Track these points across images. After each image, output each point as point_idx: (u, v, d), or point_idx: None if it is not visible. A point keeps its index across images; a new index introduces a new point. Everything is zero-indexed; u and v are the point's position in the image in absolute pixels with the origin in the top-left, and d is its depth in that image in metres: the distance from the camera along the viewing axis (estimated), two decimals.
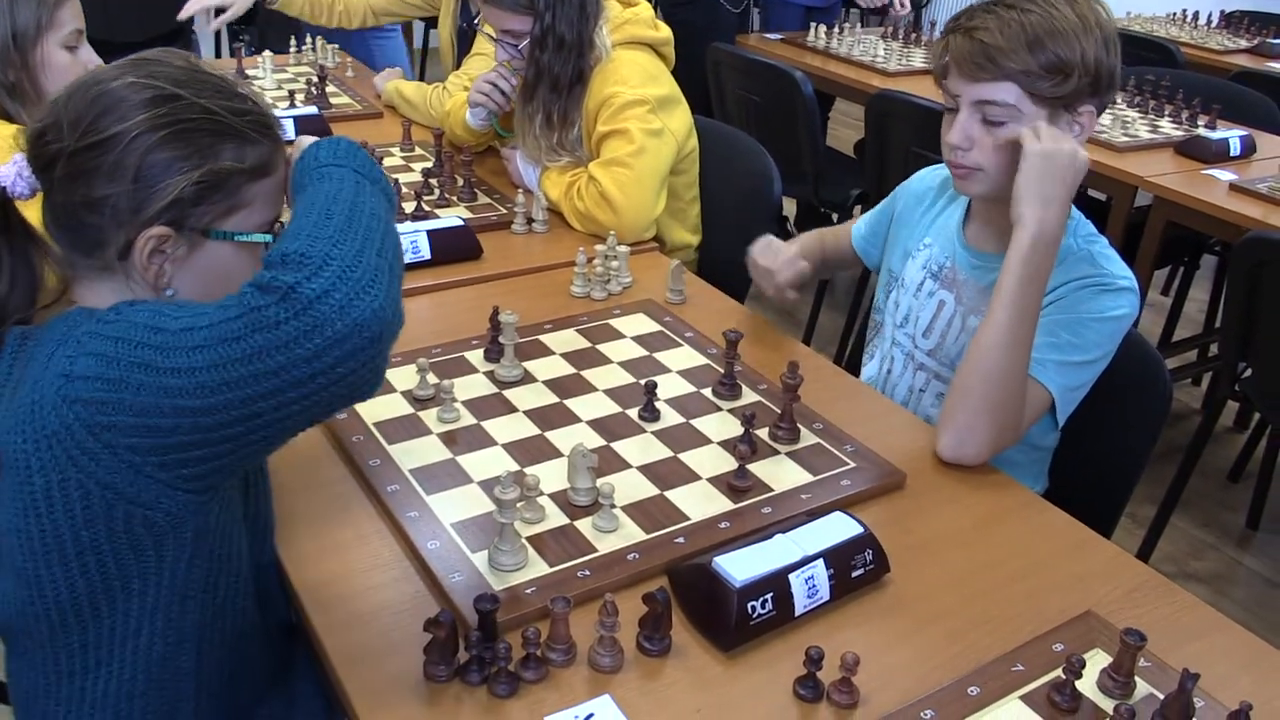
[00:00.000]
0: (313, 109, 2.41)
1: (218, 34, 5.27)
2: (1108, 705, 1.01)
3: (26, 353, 0.93)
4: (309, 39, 3.10)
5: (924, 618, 1.12)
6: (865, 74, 3.62)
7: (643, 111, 2.00)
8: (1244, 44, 4.37)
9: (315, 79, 2.68)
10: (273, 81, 2.75)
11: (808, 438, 1.39)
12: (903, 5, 4.25)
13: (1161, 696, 1.00)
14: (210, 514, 0.95)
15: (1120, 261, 1.49)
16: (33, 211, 0.99)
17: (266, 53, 2.81)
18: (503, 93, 2.14)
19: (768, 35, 4.09)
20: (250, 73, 2.81)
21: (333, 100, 2.66)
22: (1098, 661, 1.05)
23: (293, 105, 2.53)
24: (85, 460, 0.86)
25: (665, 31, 2.13)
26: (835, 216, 3.61)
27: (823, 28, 3.96)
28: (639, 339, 1.62)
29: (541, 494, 1.23)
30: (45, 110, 0.95)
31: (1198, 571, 2.67)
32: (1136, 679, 1.02)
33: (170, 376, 0.84)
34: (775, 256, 1.70)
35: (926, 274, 1.64)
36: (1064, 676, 0.99)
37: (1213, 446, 3.01)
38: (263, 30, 4.49)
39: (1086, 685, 1.01)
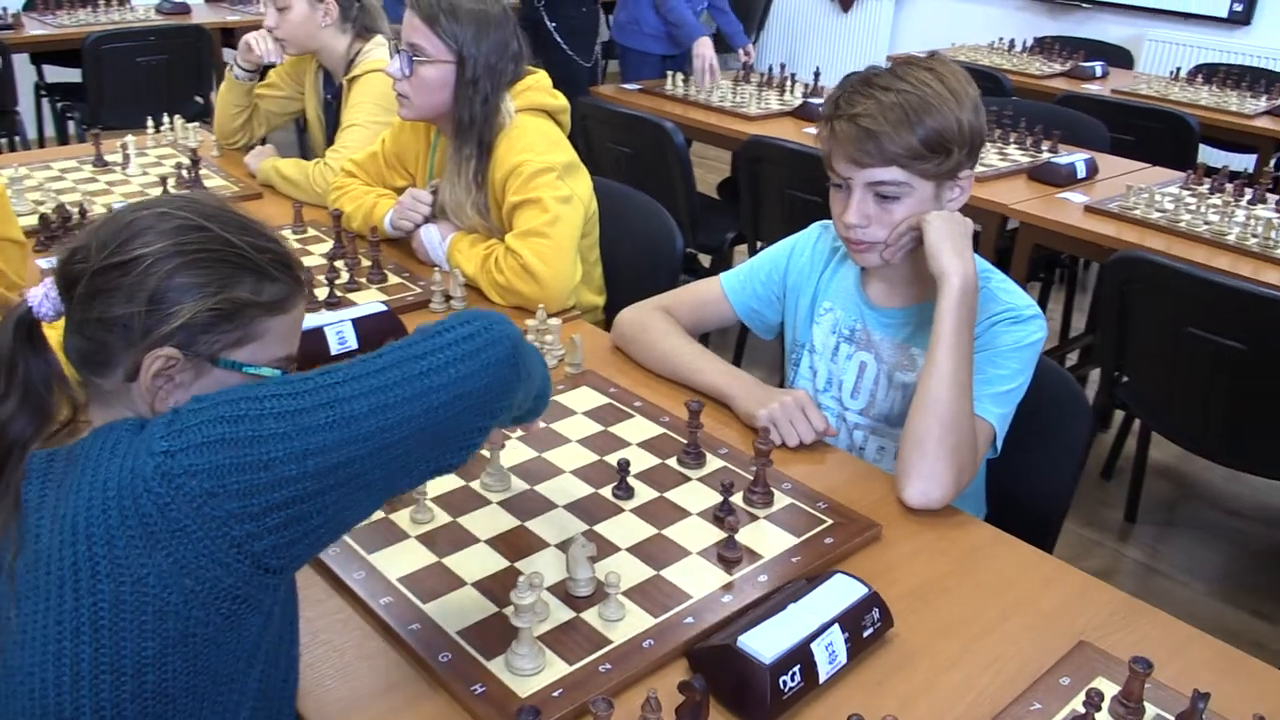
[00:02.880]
0: (381, 305, 1.85)
1: (39, 107, 5.02)
2: None
3: (57, 471, 0.91)
4: (165, 116, 2.98)
5: (935, 668, 1.16)
6: (729, 120, 3.73)
7: (551, 179, 2.01)
8: (1059, 68, 4.70)
9: (187, 163, 2.57)
10: (137, 168, 2.63)
11: (780, 499, 1.42)
12: (748, 54, 4.40)
13: (1170, 717, 1.07)
14: (274, 608, 0.93)
15: (1019, 290, 1.59)
16: (54, 333, 0.99)
17: (129, 137, 2.68)
18: (423, 213, 2.16)
19: (625, 86, 4.16)
20: (109, 159, 2.68)
21: (206, 184, 2.57)
22: (1105, 690, 1.11)
23: (165, 193, 2.43)
24: (175, 544, 0.84)
25: (563, 100, 2.15)
26: (710, 260, 3.69)
27: (679, 75, 4.05)
28: (590, 414, 1.62)
29: (544, 590, 1.21)
30: (82, 234, 0.98)
31: (1089, 569, 2.79)
32: (1145, 703, 1.09)
33: (319, 412, 0.87)
34: (807, 423, 1.56)
35: (839, 338, 1.70)
36: (1084, 710, 1.05)
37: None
38: (94, 108, 4.29)
39: (1101, 716, 1.07)
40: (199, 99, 4.60)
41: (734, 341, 3.62)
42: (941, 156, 1.48)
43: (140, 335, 0.95)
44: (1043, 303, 3.73)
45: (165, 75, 4.45)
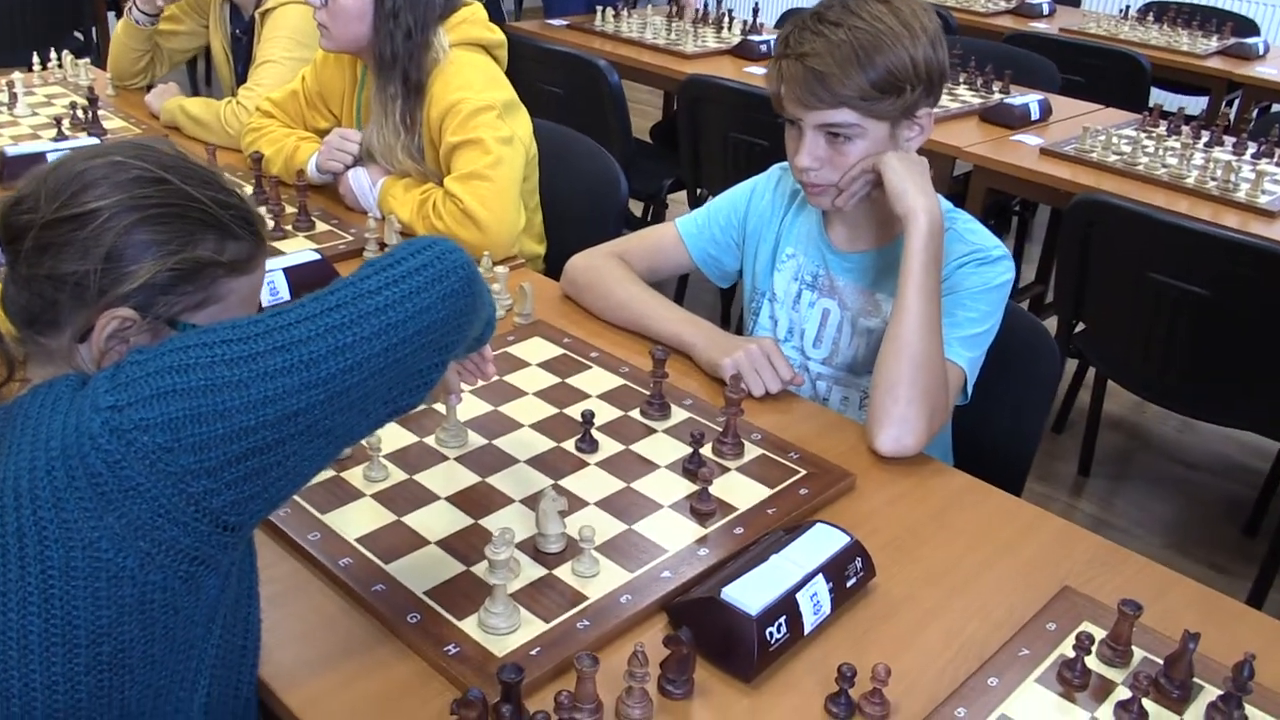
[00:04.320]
0: (314, 254, 1.85)
1: None
2: (1113, 674, 1.12)
3: None
4: (52, 52, 2.88)
5: (919, 618, 1.21)
6: (665, 58, 3.73)
7: (492, 118, 2.00)
8: (1004, 4, 4.79)
9: (83, 103, 2.50)
10: (26, 108, 2.54)
11: (750, 450, 1.46)
12: None
13: (1158, 660, 1.13)
14: (232, 568, 0.93)
15: (984, 230, 1.64)
16: None
17: (15, 74, 2.59)
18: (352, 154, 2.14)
19: (551, 21, 4.13)
20: None
21: (107, 126, 2.50)
22: (1092, 633, 1.16)
23: (61, 136, 2.36)
24: (129, 504, 0.84)
25: (500, 34, 2.13)
26: (650, 210, 3.70)
27: (609, 10, 4.04)
28: (545, 365, 1.63)
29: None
30: (26, 181, 0.95)
31: None
32: (1132, 646, 1.14)
33: (275, 356, 0.86)
34: (773, 372, 1.59)
35: (800, 285, 1.73)
36: (1073, 654, 1.10)
37: None
38: None
39: (1089, 658, 1.12)
40: (78, 34, 4.45)
41: (672, 293, 3.65)
42: (894, 96, 1.50)
43: (95, 295, 0.94)
44: None
45: (39, 9, 4.29)
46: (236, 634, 0.98)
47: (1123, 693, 1.09)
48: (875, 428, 1.48)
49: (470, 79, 2.02)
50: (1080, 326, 2.69)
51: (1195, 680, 1.10)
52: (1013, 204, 3.61)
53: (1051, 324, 2.26)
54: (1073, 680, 1.11)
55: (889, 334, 1.50)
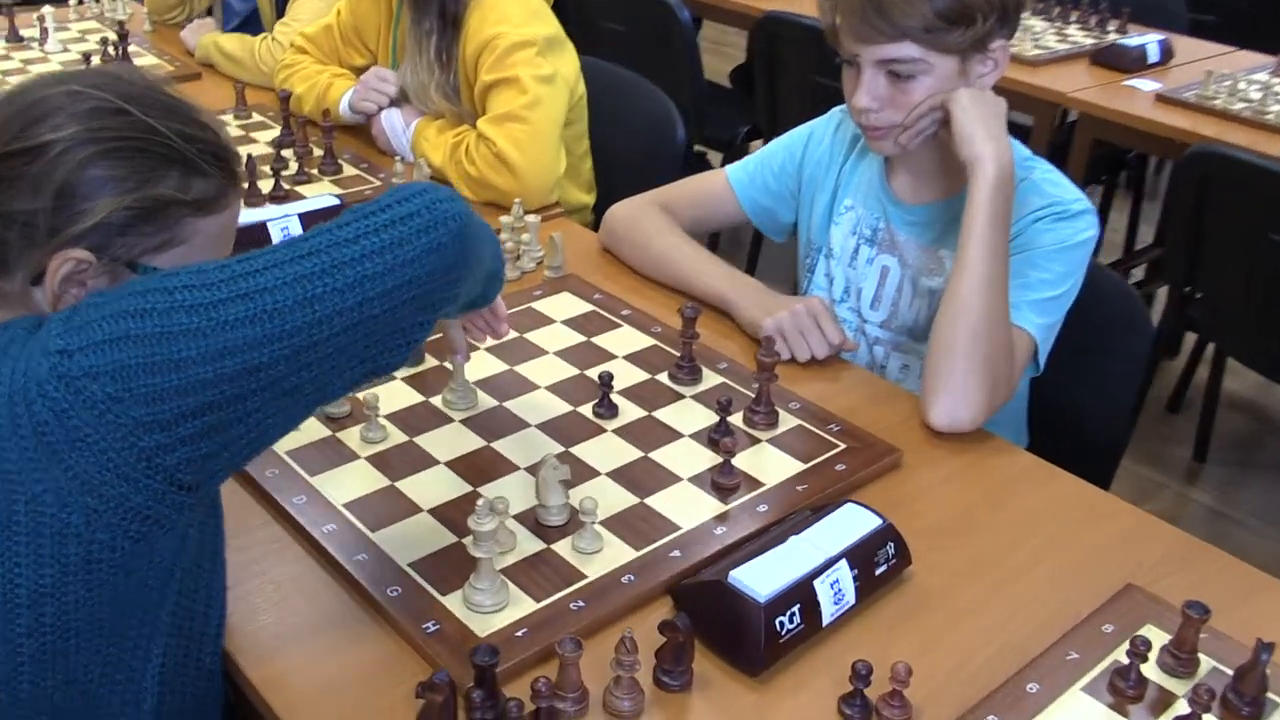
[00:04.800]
0: (333, 198, 1.84)
1: None
2: (1175, 686, 1.05)
3: None
4: None
5: (957, 613, 1.15)
6: None
7: (531, 55, 1.97)
8: None
9: (114, 38, 2.52)
10: (57, 44, 2.58)
11: (787, 420, 1.41)
12: None
13: (1229, 670, 1.05)
14: (190, 530, 0.91)
15: (1066, 182, 1.56)
16: None
17: (47, 9, 2.63)
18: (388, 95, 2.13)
19: None
20: (25, 34, 2.62)
21: (137, 62, 2.52)
22: (1153, 639, 1.09)
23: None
24: (75, 456, 0.83)
25: None
26: (722, 158, 3.63)
27: None
28: (571, 323, 1.60)
29: (508, 517, 1.20)
30: None
31: (1151, 513, 2.83)
32: (1200, 654, 1.07)
33: (236, 305, 0.85)
34: (820, 335, 1.55)
35: (859, 240, 1.66)
36: (1128, 660, 1.03)
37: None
38: None
39: (1148, 667, 1.05)
40: None
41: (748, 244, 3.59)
42: (963, 27, 1.42)
43: (46, 234, 0.93)
44: (1104, 210, 3.67)
45: None
46: (197, 601, 0.97)
47: (1183, 707, 1.02)
48: (929, 398, 1.42)
49: (508, 12, 1.98)
50: (1197, 295, 2.56)
51: (1270, 696, 1.03)
52: (1128, 157, 3.46)
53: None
54: (1126, 690, 1.04)
55: (947, 294, 1.44)
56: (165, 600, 0.92)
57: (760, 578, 1.07)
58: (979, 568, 1.21)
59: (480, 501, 1.08)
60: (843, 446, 1.36)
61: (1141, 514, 1.33)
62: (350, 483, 1.26)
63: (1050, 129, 2.96)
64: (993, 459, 1.39)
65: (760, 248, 3.57)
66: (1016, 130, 3.14)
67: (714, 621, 1.08)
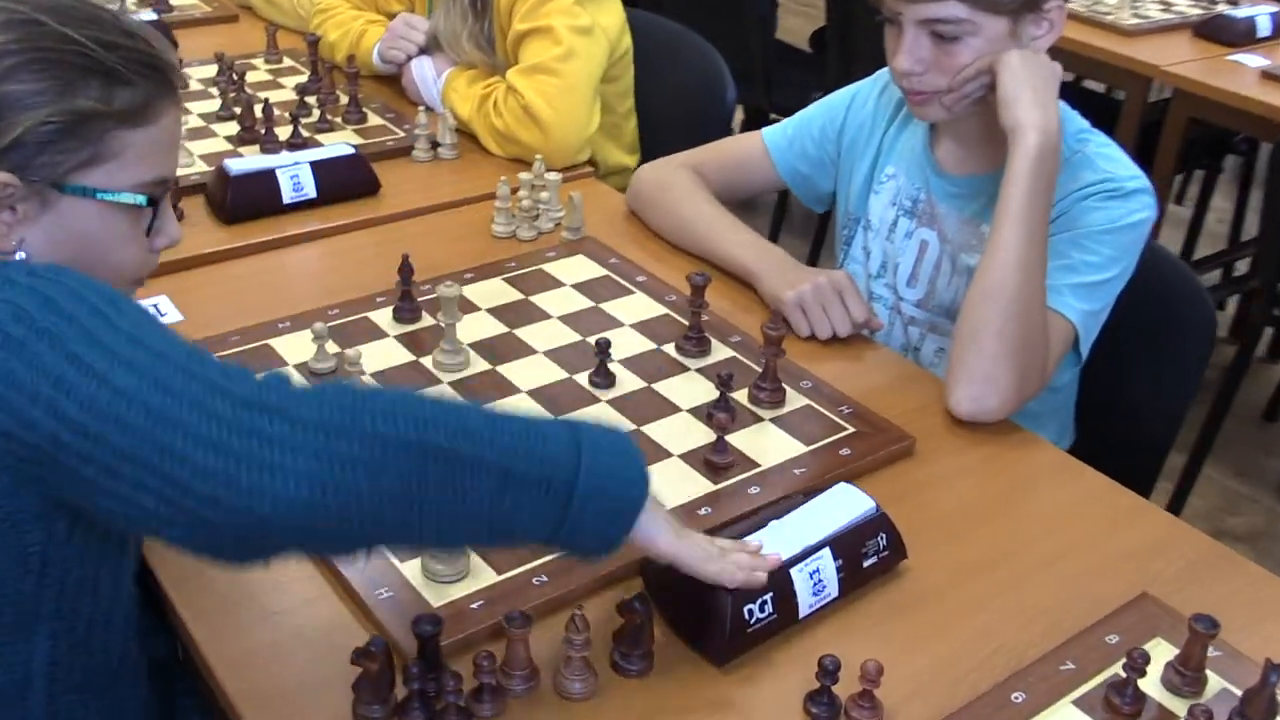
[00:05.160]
0: (348, 147, 1.85)
1: None
2: (1177, 706, 1.01)
3: None
4: None
5: (950, 612, 1.12)
6: None
7: (567, 3, 1.96)
8: None
9: None
10: None
11: (795, 399, 1.38)
12: None
13: (1239, 692, 1.01)
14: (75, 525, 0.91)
15: (1124, 158, 1.51)
16: None
17: None
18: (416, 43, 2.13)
19: None
20: None
21: (174, 3, 2.56)
22: (1161, 654, 1.05)
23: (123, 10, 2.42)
24: None
25: None
26: None
27: None
28: (581, 287, 1.59)
29: None
30: None
31: (1235, 529, 2.74)
32: (1208, 672, 1.03)
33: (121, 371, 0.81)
34: (843, 311, 1.52)
35: (899, 212, 1.63)
36: (1124, 674, 1.00)
37: (1244, 381, 3.09)
38: None
39: (1150, 683, 1.02)
40: None
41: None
42: None
43: None
44: (1205, 198, 3.55)
45: None
46: (84, 596, 0.96)
47: None
48: (952, 382, 1.39)
49: None
50: None
51: None
52: (1235, 140, 3.34)
53: None
54: (1121, 707, 1.00)
55: (978, 271, 1.40)
56: (44, 589, 0.92)
57: None
58: (981, 567, 1.18)
59: None
60: (851, 430, 1.33)
61: (1172, 520, 1.28)
62: None
63: (1142, 105, 2.87)
64: (1015, 452, 1.36)
65: (785, 217, 3.53)
66: (1103, 107, 3.06)
67: (680, 605, 1.07)
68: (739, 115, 3.89)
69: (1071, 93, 1.49)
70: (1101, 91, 3.75)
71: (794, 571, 1.07)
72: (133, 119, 0.97)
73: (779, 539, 1.09)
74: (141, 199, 0.99)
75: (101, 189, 0.97)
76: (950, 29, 1.41)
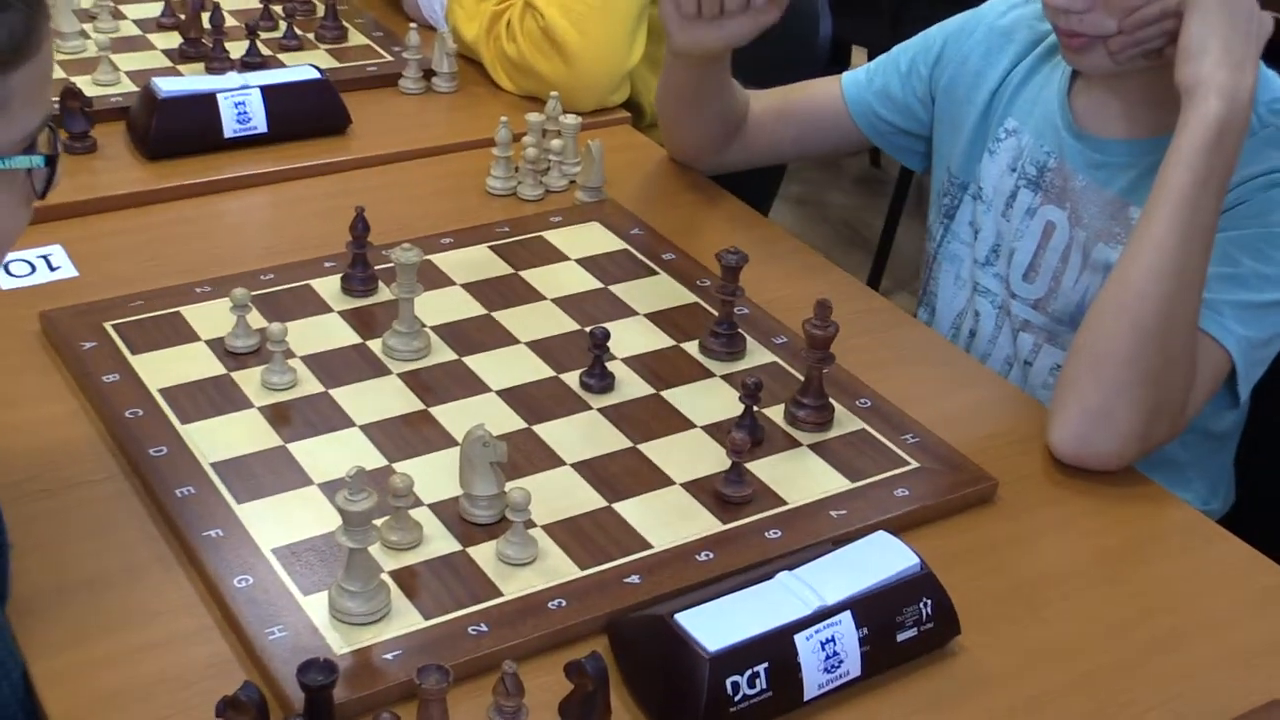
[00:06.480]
0: (313, 71, 1.92)
1: None
2: None
3: None
4: None
5: (1013, 707, 1.13)
6: None
7: None
8: None
9: None
10: None
11: (846, 420, 1.40)
12: None
13: None
14: None
15: None
16: None
17: None
18: None
19: None
20: None
21: None
22: None
23: None
24: None
25: None
26: None
27: None
28: (588, 262, 1.63)
29: (418, 503, 1.23)
30: None
31: None
32: None
33: None
34: None
35: (1019, 181, 1.64)
36: None
37: None
38: None
39: None
40: None
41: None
42: None
43: None
44: None
45: None
46: None
47: None
48: (1057, 412, 1.40)
49: None
50: None
51: None
52: None
53: None
54: None
55: (1115, 272, 1.41)
56: None
57: (717, 622, 1.07)
58: (1059, 653, 1.18)
59: (353, 470, 1.10)
60: (914, 465, 1.34)
61: None
62: (230, 437, 1.31)
63: None
64: (1130, 508, 1.36)
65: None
66: None
67: (650, 673, 1.09)
68: (861, 57, 3.90)
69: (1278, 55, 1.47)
70: None
71: (799, 638, 1.08)
72: (14, 57, 0.97)
73: (785, 596, 1.10)
74: (39, 160, 1.02)
75: None
76: None
